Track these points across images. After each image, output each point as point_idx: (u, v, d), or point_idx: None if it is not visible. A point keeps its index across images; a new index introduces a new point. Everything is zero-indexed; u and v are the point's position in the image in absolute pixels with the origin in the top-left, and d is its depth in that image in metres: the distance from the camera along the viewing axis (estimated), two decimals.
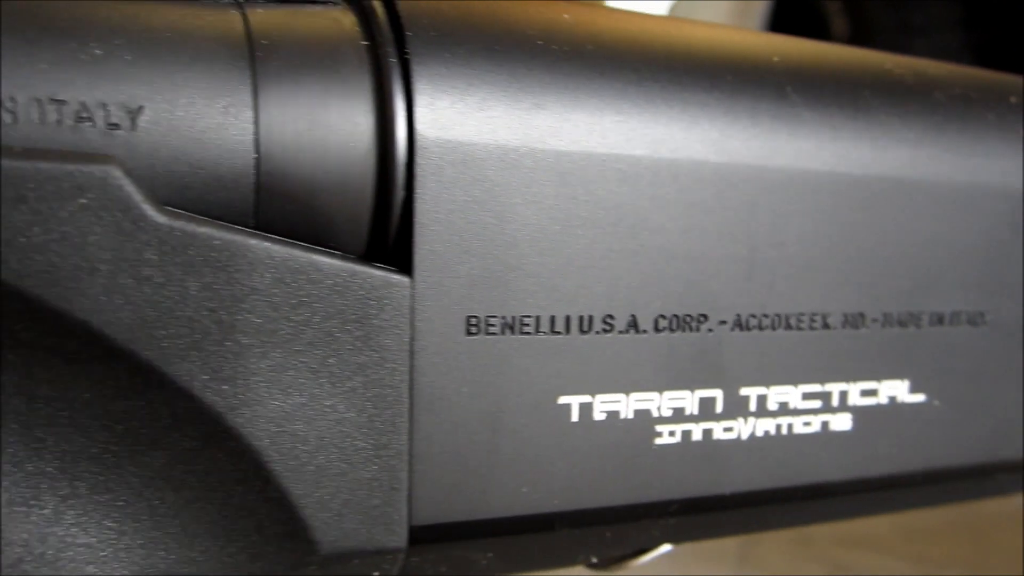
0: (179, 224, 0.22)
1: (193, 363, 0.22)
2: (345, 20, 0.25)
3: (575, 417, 0.27)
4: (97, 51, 0.22)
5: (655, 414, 0.28)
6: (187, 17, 0.24)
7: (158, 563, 0.23)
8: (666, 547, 0.32)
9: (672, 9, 2.25)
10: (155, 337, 0.22)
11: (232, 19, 0.24)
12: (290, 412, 0.23)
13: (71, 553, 0.22)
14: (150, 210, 0.21)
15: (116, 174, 0.21)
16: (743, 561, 0.86)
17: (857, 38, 2.17)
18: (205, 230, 0.22)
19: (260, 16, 0.24)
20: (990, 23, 1.96)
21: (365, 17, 0.25)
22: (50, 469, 0.22)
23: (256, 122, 0.23)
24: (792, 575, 0.84)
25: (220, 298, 0.22)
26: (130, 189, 0.21)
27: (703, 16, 2.32)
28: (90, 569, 0.22)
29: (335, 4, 0.26)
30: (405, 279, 0.24)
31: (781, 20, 2.33)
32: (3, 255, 0.20)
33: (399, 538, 0.25)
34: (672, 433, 0.28)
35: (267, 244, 0.22)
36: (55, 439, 0.22)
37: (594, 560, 0.31)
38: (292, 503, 0.23)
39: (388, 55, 0.24)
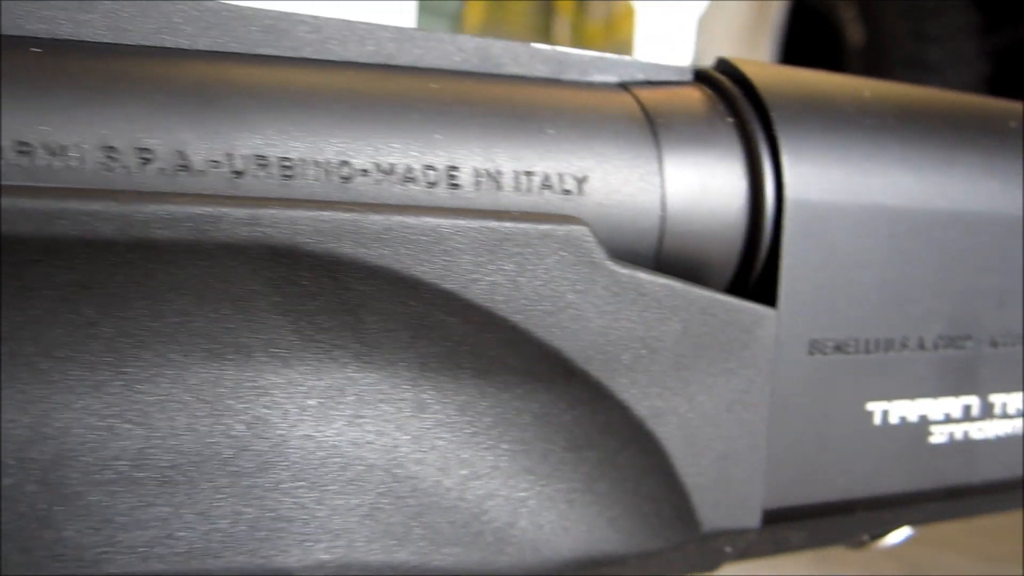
0: (627, 272, 0.27)
1: (629, 379, 0.28)
2: (706, 98, 0.31)
3: (877, 420, 0.32)
4: (550, 131, 0.28)
5: (931, 417, 0.34)
6: (596, 99, 0.29)
7: (587, 540, 0.28)
8: (908, 530, 0.37)
9: (701, 18, 2.31)
10: (605, 360, 0.27)
11: (627, 99, 0.30)
12: (690, 418, 0.29)
13: (536, 532, 0.28)
14: (607, 260, 0.27)
15: (587, 233, 0.26)
16: (821, 560, 0.92)
17: (872, 46, 2.24)
18: (646, 277, 0.27)
19: (646, 96, 0.30)
20: (1006, 30, 2.03)
21: (723, 96, 0.31)
22: (514, 467, 0.28)
23: (663, 187, 0.29)
24: (869, 574, 0.90)
25: (651, 328, 0.28)
26: (594, 244, 0.27)
27: (720, 20, 2.39)
28: (544, 547, 0.28)
29: (688, 83, 0.32)
30: (772, 311, 0.30)
31: (795, 27, 2.40)
32: (503, 297, 0.26)
33: (755, 519, 0.30)
34: (942, 433, 0.34)
35: (689, 288, 0.28)
36: (518, 442, 0.28)
37: (865, 538, 0.37)
38: (686, 491, 0.29)
39: (755, 130, 0.30)
